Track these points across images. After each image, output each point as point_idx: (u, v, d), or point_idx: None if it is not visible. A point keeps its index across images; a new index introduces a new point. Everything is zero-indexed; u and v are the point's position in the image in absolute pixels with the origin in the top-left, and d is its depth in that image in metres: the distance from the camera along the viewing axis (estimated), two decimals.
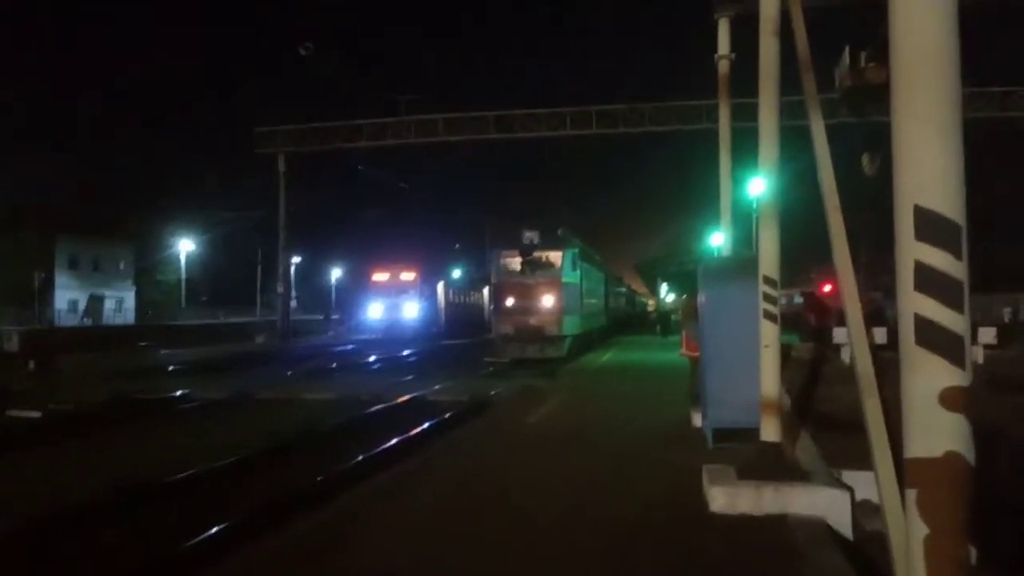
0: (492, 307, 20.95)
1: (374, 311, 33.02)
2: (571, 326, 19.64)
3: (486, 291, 45.75)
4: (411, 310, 32.88)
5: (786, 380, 6.99)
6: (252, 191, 34.88)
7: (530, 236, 19.51)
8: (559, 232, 21.09)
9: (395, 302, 32.50)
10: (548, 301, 19.14)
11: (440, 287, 35.87)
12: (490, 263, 20.61)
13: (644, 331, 30.62)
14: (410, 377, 17.34)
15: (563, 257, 19.72)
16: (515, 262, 19.92)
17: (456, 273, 40.24)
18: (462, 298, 38.89)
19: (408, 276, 33.45)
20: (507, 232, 19.85)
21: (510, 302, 19.34)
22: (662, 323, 30.62)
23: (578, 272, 21.01)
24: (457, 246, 45.04)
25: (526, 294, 19.16)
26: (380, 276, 33.59)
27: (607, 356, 20.80)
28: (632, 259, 49.06)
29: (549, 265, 19.66)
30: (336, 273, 60.91)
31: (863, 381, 3.98)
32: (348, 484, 6.29)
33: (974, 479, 2.21)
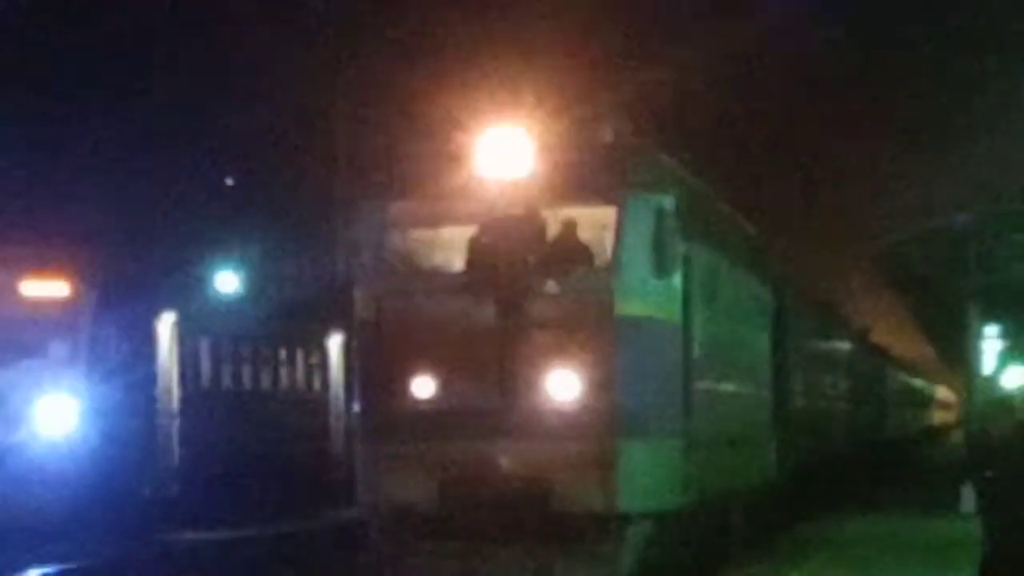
0: (360, 403, 21.61)
1: None
2: (650, 483, 20.16)
3: (334, 345, 47.18)
4: (54, 421, 33.01)
5: None
6: None
7: (506, 134, 19.78)
8: (609, 135, 21.35)
9: None
10: (565, 388, 19.60)
11: (167, 335, 36.09)
12: (354, 242, 20.99)
13: (936, 497, 30.89)
14: None
15: (626, 228, 20.27)
16: (437, 237, 20.70)
17: (228, 283, 40.78)
18: (250, 373, 40.10)
19: (47, 291, 33.61)
20: (417, 123, 20.11)
21: (424, 388, 19.76)
22: (982, 469, 30.59)
23: (677, 283, 21.61)
24: (231, 182, 45.34)
25: (484, 361, 19.69)
26: None
27: None
28: (873, 244, 49.51)
29: (570, 255, 20.26)
30: None
31: None
32: None
33: None
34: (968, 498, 29.44)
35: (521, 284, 19.58)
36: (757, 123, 28.48)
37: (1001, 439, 32.19)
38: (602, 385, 19.31)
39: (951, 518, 28.91)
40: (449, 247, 20.38)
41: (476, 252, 19.90)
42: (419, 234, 20.79)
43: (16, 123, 46.07)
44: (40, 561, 26.51)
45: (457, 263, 20.21)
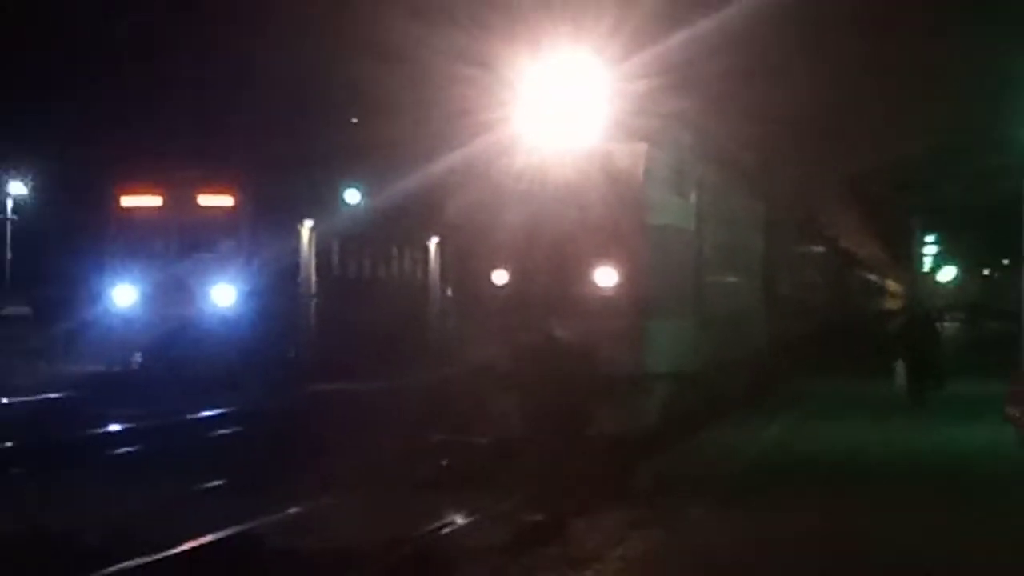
0: (453, 289, 21.47)
1: (122, 298, 33.69)
2: (668, 349, 20.07)
3: (432, 245, 46.92)
4: (224, 297, 33.26)
5: None
6: None
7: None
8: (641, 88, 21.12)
9: (179, 276, 33.04)
10: (606, 278, 19.45)
11: (307, 237, 36.00)
12: (449, 166, 20.80)
13: (879, 368, 30.77)
14: (220, 482, 18.07)
15: (651, 161, 20.03)
16: (511, 165, 20.11)
17: (353, 198, 40.56)
18: (369, 266, 39.86)
19: (216, 202, 33.73)
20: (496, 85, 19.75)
21: (501, 278, 19.64)
22: (909, 348, 28.49)
23: (692, 202, 21.48)
24: (356, 122, 45.22)
25: (545, 258, 19.37)
26: (138, 201, 33.96)
27: (766, 438, 21.41)
28: (843, 174, 48.90)
29: (610, 182, 19.77)
30: (17, 192, 61.18)
31: None
32: None
33: None
34: (900, 371, 28.93)
35: (573, 200, 19.56)
36: (758, 77, 28.24)
37: (922, 318, 31.33)
38: (635, 277, 19.23)
39: (888, 384, 28.68)
40: (520, 174, 20.23)
41: (540, 176, 19.79)
42: (497, 164, 20.65)
43: (191, 81, 46.14)
44: (212, 405, 26.66)
45: (525, 184, 20.09)
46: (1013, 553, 10.90)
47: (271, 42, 43.32)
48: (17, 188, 59.69)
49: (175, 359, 31.21)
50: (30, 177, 58.85)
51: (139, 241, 32.81)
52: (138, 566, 12.52)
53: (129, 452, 21.51)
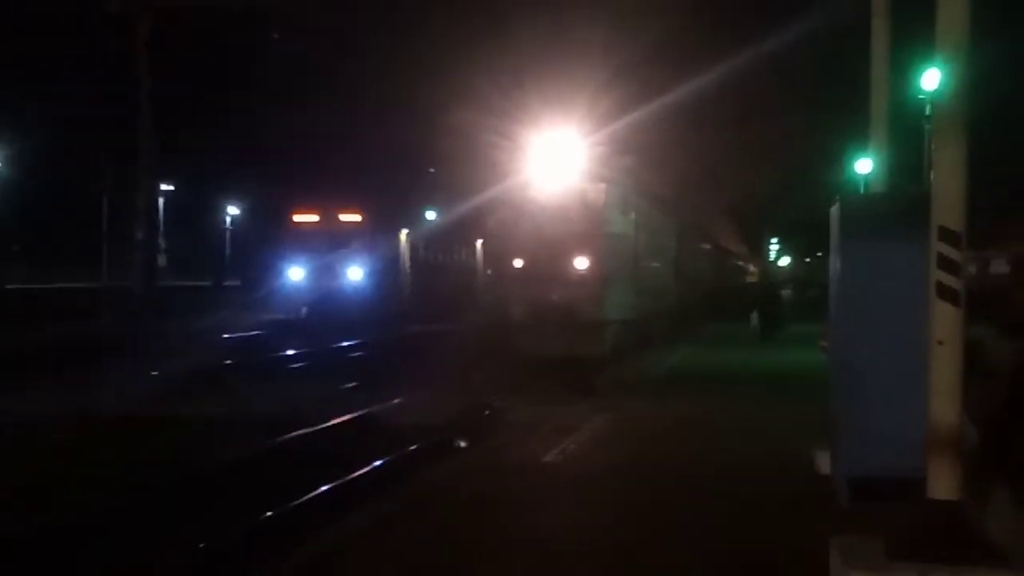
0: (490, 269, 21.35)
1: (294, 276, 33.20)
2: (617, 306, 19.85)
3: (478, 244, 46.44)
4: (355, 275, 33.05)
5: (972, 401, 7.15)
6: (90, 76, 34.25)
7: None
8: (602, 151, 21.06)
9: (328, 262, 32.67)
10: (580, 263, 19.18)
11: (404, 239, 35.80)
12: (493, 197, 20.53)
13: (743, 318, 30.80)
14: (353, 384, 18.02)
15: (608, 194, 19.76)
16: (526, 197, 20.00)
17: (431, 216, 40.44)
18: (441, 257, 39.28)
19: (350, 219, 33.54)
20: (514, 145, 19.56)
21: (518, 263, 19.35)
22: (761, 305, 28.36)
23: (632, 218, 21.31)
24: (433, 171, 45.05)
25: (544, 251, 19.16)
26: (304, 218, 33.72)
27: (675, 359, 21.35)
28: (722, 201, 48.68)
29: (583, 206, 19.70)
30: (233, 213, 61.35)
31: None
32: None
33: None
34: (755, 319, 28.81)
35: (561, 217, 19.38)
36: (672, 146, 28.14)
37: (770, 288, 31.02)
38: (597, 263, 19.08)
39: (746, 327, 28.60)
40: (530, 202, 20.09)
41: (542, 204, 19.67)
42: (517, 196, 20.42)
43: (337, 147, 45.70)
44: (345, 339, 26.49)
45: (533, 208, 19.87)
46: (801, 417, 11.39)
47: (386, 121, 42.82)
48: (232, 210, 60.08)
49: (327, 311, 31.03)
50: (240, 203, 59.20)
51: (304, 241, 32.70)
52: (307, 432, 12.62)
53: (299, 367, 21.46)
